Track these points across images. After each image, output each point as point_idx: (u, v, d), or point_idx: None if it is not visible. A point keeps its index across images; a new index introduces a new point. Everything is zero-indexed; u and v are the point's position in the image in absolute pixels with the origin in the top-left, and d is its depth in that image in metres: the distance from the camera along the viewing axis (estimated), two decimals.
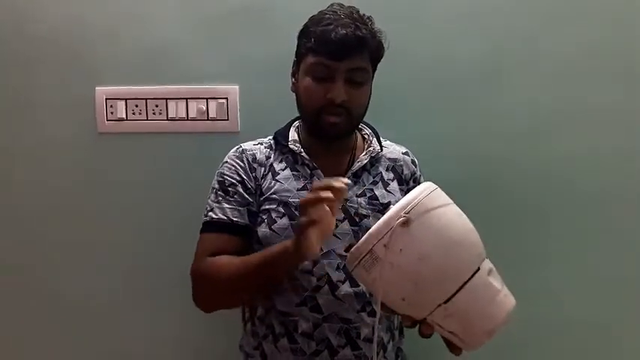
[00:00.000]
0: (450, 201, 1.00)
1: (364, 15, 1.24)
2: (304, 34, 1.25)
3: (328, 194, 0.98)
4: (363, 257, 0.94)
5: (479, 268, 0.94)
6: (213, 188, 1.31)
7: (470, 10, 1.60)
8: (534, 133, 1.62)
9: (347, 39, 1.16)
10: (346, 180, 1.02)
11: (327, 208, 0.99)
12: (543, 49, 1.60)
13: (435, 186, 1.00)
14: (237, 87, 1.63)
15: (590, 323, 1.63)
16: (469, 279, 0.93)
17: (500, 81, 1.61)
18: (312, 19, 1.25)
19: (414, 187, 1.34)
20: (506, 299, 0.97)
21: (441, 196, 0.99)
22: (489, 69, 1.61)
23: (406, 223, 0.92)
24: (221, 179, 1.30)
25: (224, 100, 1.63)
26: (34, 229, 1.68)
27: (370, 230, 0.94)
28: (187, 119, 1.64)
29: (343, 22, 1.18)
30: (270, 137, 1.39)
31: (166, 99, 1.64)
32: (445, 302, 0.93)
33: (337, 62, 1.18)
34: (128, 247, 1.68)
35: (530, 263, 1.64)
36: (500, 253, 1.53)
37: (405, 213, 0.92)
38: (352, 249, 0.97)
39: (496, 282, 0.96)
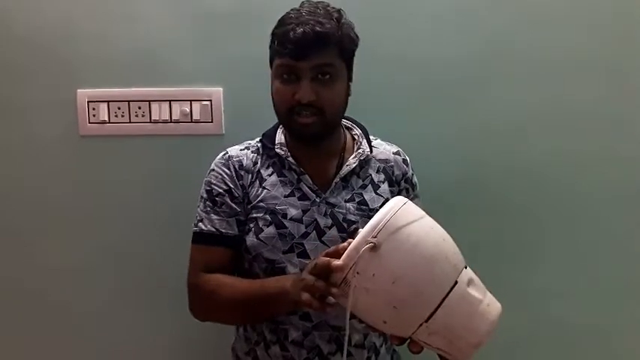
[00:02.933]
0: (421, 214, 0.99)
1: (333, 8, 1.22)
2: (271, 37, 1.24)
3: (324, 287, 0.96)
4: (340, 285, 0.94)
5: (456, 282, 0.94)
6: (202, 197, 1.30)
7: (458, 12, 1.60)
8: (525, 134, 1.62)
9: (305, 37, 1.14)
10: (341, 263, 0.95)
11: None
12: (532, 50, 1.60)
13: (405, 200, 0.99)
14: (221, 89, 1.63)
15: (582, 325, 1.65)
16: (447, 295, 0.92)
17: (490, 82, 1.61)
18: (279, 20, 1.23)
19: (405, 187, 1.36)
20: (490, 308, 0.96)
21: (410, 212, 0.97)
22: (479, 70, 1.61)
23: (374, 247, 0.91)
24: (209, 188, 1.29)
25: (208, 102, 1.62)
26: (14, 232, 1.67)
27: (342, 257, 0.94)
28: (171, 121, 1.63)
29: (303, 19, 1.16)
30: (258, 140, 1.37)
31: (149, 101, 1.63)
32: (426, 321, 0.92)
33: (300, 61, 1.17)
34: (113, 250, 1.67)
35: (522, 264, 1.65)
36: (492, 255, 1.59)
37: (372, 236, 0.92)
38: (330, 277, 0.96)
39: (477, 292, 0.96)
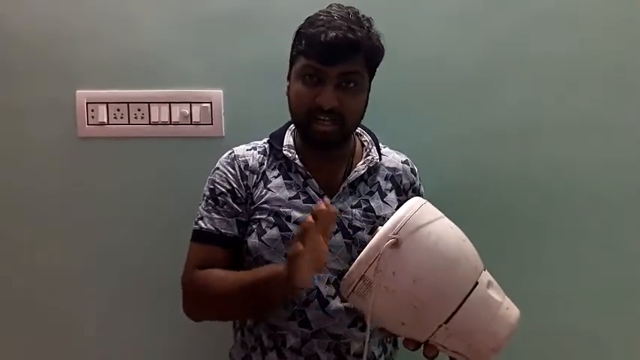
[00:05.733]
0: (440, 214, 0.98)
1: (363, 16, 1.19)
2: (297, 35, 1.20)
3: (311, 220, 0.97)
4: (357, 284, 0.92)
5: (477, 283, 0.92)
6: (204, 195, 1.28)
7: (463, 16, 1.59)
8: (528, 138, 1.62)
9: (337, 42, 1.11)
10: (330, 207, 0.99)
11: (319, 239, 0.99)
12: (536, 55, 1.60)
13: (424, 200, 0.98)
14: (221, 91, 1.61)
15: (582, 330, 1.64)
16: (467, 295, 0.90)
17: (494, 86, 1.61)
18: (307, 19, 1.19)
19: (412, 197, 1.34)
20: (509, 312, 0.94)
21: (430, 211, 0.96)
22: (482, 74, 1.61)
23: (396, 244, 0.89)
24: (212, 187, 1.27)
25: (208, 104, 1.61)
26: (12, 234, 1.65)
27: (360, 255, 0.92)
28: (170, 123, 1.62)
29: (336, 24, 1.13)
30: (265, 140, 1.35)
31: (149, 103, 1.61)
32: (446, 322, 0.90)
33: (327, 66, 1.14)
34: (112, 252, 1.65)
35: (521, 270, 1.63)
36: (492, 259, 1.57)
37: (393, 234, 0.90)
38: (345, 276, 0.95)
39: (497, 295, 0.94)
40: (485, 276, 0.96)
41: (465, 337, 0.92)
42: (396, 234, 0.90)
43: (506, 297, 0.97)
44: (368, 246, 0.92)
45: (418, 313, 0.91)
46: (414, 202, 0.97)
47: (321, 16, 1.16)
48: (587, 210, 1.63)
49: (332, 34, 1.11)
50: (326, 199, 1.05)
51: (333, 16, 1.15)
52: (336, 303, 1.19)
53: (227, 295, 1.16)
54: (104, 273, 1.65)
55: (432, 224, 0.94)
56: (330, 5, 1.21)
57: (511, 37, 1.59)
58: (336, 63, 1.14)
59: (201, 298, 1.21)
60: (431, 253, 0.91)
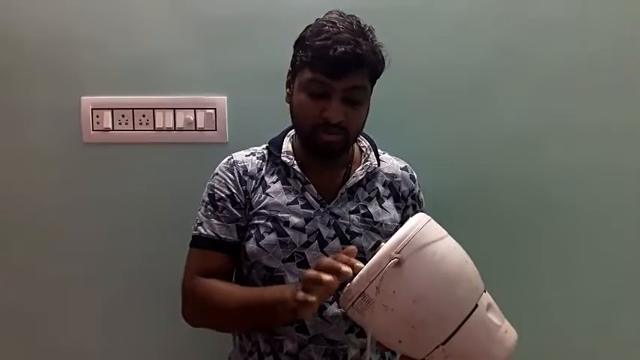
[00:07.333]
0: (444, 233, 0.97)
1: (365, 26, 1.18)
2: (301, 45, 1.18)
3: (331, 279, 0.92)
4: (356, 299, 0.91)
5: (477, 305, 0.91)
6: (204, 201, 1.27)
7: (464, 21, 1.60)
8: (529, 144, 1.62)
9: (346, 57, 1.10)
10: (349, 270, 0.94)
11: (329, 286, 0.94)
12: (537, 60, 1.60)
13: (428, 217, 0.96)
14: (225, 97, 1.62)
15: (579, 338, 1.64)
16: (467, 318, 0.89)
17: (495, 91, 1.61)
18: (310, 29, 1.18)
19: (412, 204, 1.34)
20: (507, 335, 0.93)
21: (433, 230, 0.95)
22: (483, 79, 1.61)
23: (398, 263, 0.88)
24: (211, 192, 1.26)
25: (212, 111, 1.62)
26: (17, 238, 1.65)
27: (361, 271, 0.91)
28: (175, 129, 1.62)
29: (343, 37, 1.11)
30: (264, 146, 1.35)
31: (153, 109, 1.62)
32: (443, 343, 0.89)
33: (335, 81, 1.13)
34: (115, 258, 1.65)
35: (519, 277, 1.64)
36: (491, 264, 1.55)
37: (396, 252, 0.89)
38: (345, 290, 0.93)
39: (495, 317, 0.93)
40: (486, 298, 0.95)
41: (462, 358, 0.91)
42: (399, 252, 0.89)
43: (505, 320, 0.96)
44: (370, 263, 0.91)
45: (416, 333, 0.90)
46: (419, 219, 0.95)
47: (326, 27, 1.14)
48: (588, 216, 1.63)
49: (341, 49, 1.10)
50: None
51: (338, 27, 1.14)
52: (333, 309, 1.19)
53: (229, 310, 1.16)
54: (106, 276, 1.66)
55: (436, 243, 0.93)
56: (330, 13, 1.20)
57: (512, 42, 1.60)
58: (343, 77, 1.13)
59: (201, 307, 1.21)
60: (434, 273, 0.90)
